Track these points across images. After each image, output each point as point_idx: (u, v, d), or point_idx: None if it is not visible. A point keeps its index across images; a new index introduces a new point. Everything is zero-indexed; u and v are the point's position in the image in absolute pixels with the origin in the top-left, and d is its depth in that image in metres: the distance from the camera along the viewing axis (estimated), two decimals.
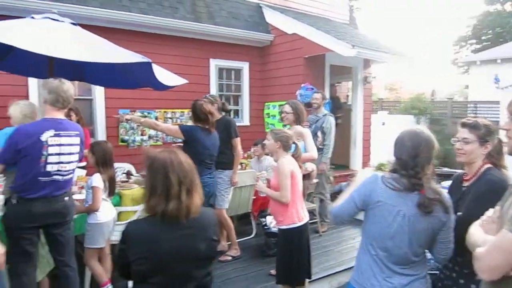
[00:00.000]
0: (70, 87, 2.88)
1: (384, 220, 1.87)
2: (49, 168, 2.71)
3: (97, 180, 3.24)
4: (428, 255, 2.02)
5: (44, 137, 2.67)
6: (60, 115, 2.84)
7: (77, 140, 2.91)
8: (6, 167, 2.75)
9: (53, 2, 5.20)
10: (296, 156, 3.29)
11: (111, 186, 3.38)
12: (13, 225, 2.69)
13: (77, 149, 2.92)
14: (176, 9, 6.76)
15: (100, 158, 3.32)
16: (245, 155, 7.17)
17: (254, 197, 5.07)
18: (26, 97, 5.47)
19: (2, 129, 3.09)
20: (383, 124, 11.20)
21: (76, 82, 5.90)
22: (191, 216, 1.62)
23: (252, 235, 5.16)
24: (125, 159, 6.08)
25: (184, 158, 1.69)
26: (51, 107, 2.80)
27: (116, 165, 5.99)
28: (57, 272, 2.98)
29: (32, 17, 3.68)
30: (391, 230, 1.86)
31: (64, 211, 2.88)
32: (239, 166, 5.98)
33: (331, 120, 5.41)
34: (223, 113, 4.58)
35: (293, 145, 3.29)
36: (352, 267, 4.18)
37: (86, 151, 4.44)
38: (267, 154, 5.89)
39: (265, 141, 3.31)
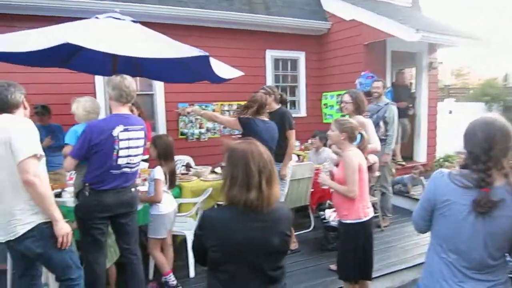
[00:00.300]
0: (131, 82, 2.97)
1: (454, 221, 1.71)
2: (120, 161, 2.84)
3: (159, 173, 3.33)
4: (508, 257, 1.82)
5: (115, 132, 2.80)
6: (125, 110, 2.95)
7: (142, 134, 3.02)
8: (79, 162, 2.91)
9: (115, 2, 5.42)
10: (362, 147, 3.13)
11: (171, 179, 3.46)
12: (85, 215, 2.84)
13: (142, 142, 3.03)
14: (232, 2, 6.78)
15: (161, 152, 3.41)
16: (302, 147, 7.07)
17: (312, 190, 4.96)
18: (93, 94, 5.79)
19: (72, 125, 3.27)
20: (450, 112, 10.45)
21: (138, 78, 6.15)
22: (270, 207, 1.63)
23: (310, 229, 5.07)
24: (184, 152, 6.25)
25: (263, 149, 1.70)
26: (116, 103, 2.92)
27: (176, 157, 6.21)
28: (123, 260, 3.11)
29: (96, 17, 3.85)
30: (462, 231, 1.69)
31: (131, 201, 3.01)
32: (297, 158, 5.91)
33: (394, 109, 5.13)
34: (280, 105, 4.51)
35: (359, 136, 3.13)
36: (416, 265, 4.04)
37: (148, 144, 4.61)
38: (325, 146, 5.75)
39: (329, 132, 3.16)
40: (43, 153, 2.38)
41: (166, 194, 3.41)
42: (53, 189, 3.87)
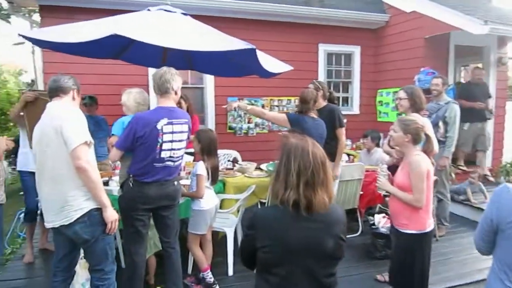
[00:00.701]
0: (164, 74, 2.87)
1: None
2: (163, 154, 2.81)
3: (201, 168, 3.28)
4: None
5: (159, 125, 2.77)
6: (170, 103, 2.92)
7: (186, 127, 2.98)
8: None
9: None
10: (428, 151, 2.85)
11: (214, 174, 3.39)
12: (129, 206, 2.85)
13: (185, 136, 2.99)
14: None
15: (205, 147, 3.35)
16: (354, 146, 6.77)
17: (362, 192, 4.70)
18: (146, 86, 5.89)
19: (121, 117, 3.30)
20: None
21: (189, 71, 6.19)
22: (314, 211, 1.51)
23: (358, 233, 4.81)
24: (232, 146, 6.20)
25: (314, 148, 1.55)
26: (157, 95, 2.90)
27: (222, 151, 6.21)
28: (162, 252, 3.10)
29: (148, 9, 3.87)
30: None
31: (174, 194, 2.99)
32: (347, 158, 5.64)
33: (455, 108, 4.68)
34: (327, 102, 4.29)
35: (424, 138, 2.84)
36: (475, 282, 3.67)
37: (192, 137, 4.60)
38: (377, 146, 5.43)
39: (391, 133, 2.88)
40: (92, 141, 2.48)
41: (208, 190, 3.35)
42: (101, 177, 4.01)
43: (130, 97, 3.24)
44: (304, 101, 3.80)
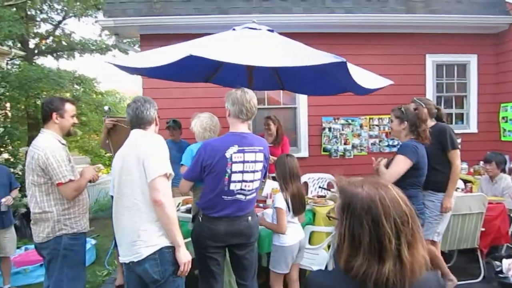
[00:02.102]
0: (253, 96, 2.65)
1: None
2: (232, 186, 2.54)
3: (279, 200, 2.94)
4: None
5: (228, 153, 2.50)
6: (244, 128, 2.64)
7: (261, 156, 2.65)
8: (195, 183, 2.73)
9: (257, 14, 5.30)
10: None
11: (295, 206, 2.98)
12: (198, 242, 2.64)
13: (260, 166, 2.66)
14: (385, 2, 6.00)
15: (281, 174, 2.99)
16: (471, 170, 5.78)
17: (483, 229, 3.87)
18: None
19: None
20: None
21: (281, 91, 5.96)
22: (414, 281, 1.07)
23: (479, 279, 3.94)
24: (326, 170, 5.76)
25: (399, 193, 1.14)
26: (235, 120, 2.62)
27: (316, 175, 5.80)
28: None
29: (234, 29, 3.73)
30: None
31: (248, 232, 2.68)
32: (462, 185, 4.78)
33: None
34: (435, 121, 3.63)
35: None
36: None
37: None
38: (503, 172, 4.50)
39: None
40: (173, 173, 2.32)
41: (291, 224, 2.98)
42: (186, 203, 3.91)
43: (197, 122, 3.06)
44: (422, 120, 3.18)
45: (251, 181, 2.60)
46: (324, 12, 5.72)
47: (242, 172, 2.54)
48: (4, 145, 7.15)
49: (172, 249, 2.29)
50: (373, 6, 5.90)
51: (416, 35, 6.15)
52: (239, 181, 2.54)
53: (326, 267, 3.33)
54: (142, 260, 2.26)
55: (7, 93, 7.98)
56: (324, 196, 4.30)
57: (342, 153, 6.21)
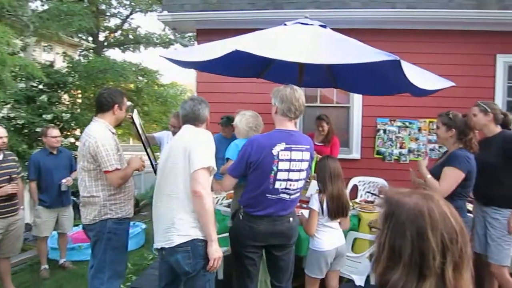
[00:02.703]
0: (301, 94, 2.59)
1: None
2: (277, 185, 2.48)
3: (314, 201, 2.83)
4: None
5: (275, 150, 2.45)
6: (292, 125, 2.57)
7: (307, 155, 2.58)
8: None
9: (313, 9, 5.16)
10: None
11: (333, 207, 2.82)
12: (237, 241, 2.62)
13: (305, 165, 2.58)
14: None
15: (321, 175, 2.88)
16: None
17: None
18: None
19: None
20: None
21: (334, 90, 5.77)
22: None
23: None
24: (379, 174, 5.52)
25: (451, 209, 1.03)
26: (283, 117, 2.56)
27: (367, 179, 5.56)
28: None
29: (285, 24, 3.65)
30: None
31: (288, 233, 2.62)
32: None
33: None
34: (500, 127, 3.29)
35: None
36: None
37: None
38: None
39: None
40: (215, 168, 2.37)
41: (327, 229, 2.86)
42: (230, 197, 3.92)
43: (242, 120, 3.04)
44: (470, 128, 2.95)
45: (297, 180, 2.53)
46: (384, 7, 5.42)
47: (288, 170, 2.47)
48: (70, 130, 7.65)
49: (204, 243, 2.31)
50: (438, 1, 5.49)
51: (486, 33, 5.63)
52: (284, 180, 2.47)
53: (368, 277, 3.17)
54: (174, 249, 2.29)
55: (77, 82, 8.53)
56: (372, 202, 4.10)
57: (396, 157, 5.89)
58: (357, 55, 3.00)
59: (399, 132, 5.84)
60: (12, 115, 6.88)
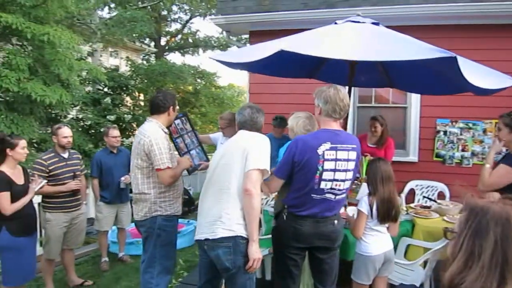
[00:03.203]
0: (345, 95, 2.54)
1: None
2: (322, 185, 2.45)
3: (363, 203, 2.74)
4: None
5: (320, 150, 2.42)
6: (336, 125, 2.53)
7: (353, 155, 2.51)
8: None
9: (368, 7, 5.00)
10: None
11: (383, 211, 2.70)
12: (280, 241, 2.61)
13: (352, 165, 2.52)
14: None
15: (372, 177, 2.77)
16: None
17: None
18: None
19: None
20: None
21: (390, 89, 5.55)
22: None
23: None
24: (438, 178, 5.22)
25: None
26: (327, 118, 2.52)
27: (425, 183, 5.28)
28: None
29: (335, 23, 3.57)
30: None
31: (332, 236, 2.56)
32: None
33: None
34: None
35: None
36: None
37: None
38: None
39: None
40: (269, 172, 2.44)
41: (375, 233, 2.75)
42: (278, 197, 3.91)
43: (299, 123, 3.00)
44: None
45: (343, 181, 2.48)
46: (446, 2, 5.11)
47: (334, 170, 2.43)
48: (132, 130, 8.09)
49: (246, 241, 2.34)
50: None
51: None
52: (330, 180, 2.43)
53: (421, 286, 3.01)
54: (216, 244, 2.34)
55: (138, 85, 9.02)
56: (429, 207, 3.88)
57: (458, 161, 5.52)
58: (411, 52, 2.86)
59: (461, 134, 5.47)
60: (80, 116, 7.43)
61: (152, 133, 2.87)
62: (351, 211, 3.14)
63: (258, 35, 5.84)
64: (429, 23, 5.16)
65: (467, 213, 1.04)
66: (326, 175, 2.42)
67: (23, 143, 3.15)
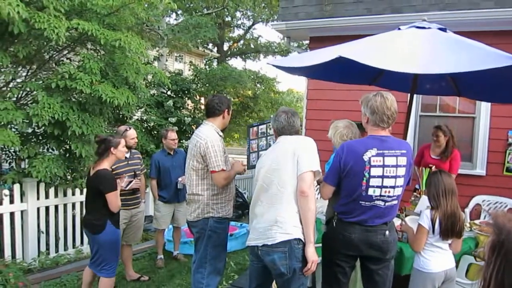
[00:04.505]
0: (393, 101, 2.48)
1: None
2: (370, 191, 2.39)
3: (424, 217, 2.60)
4: None
5: (366, 156, 2.38)
6: (385, 132, 2.47)
7: (403, 160, 2.43)
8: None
9: (436, 12, 4.77)
10: None
11: (446, 226, 2.56)
12: (329, 248, 2.58)
13: (402, 171, 2.43)
14: None
15: (434, 190, 2.64)
16: None
17: None
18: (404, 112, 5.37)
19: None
20: None
21: (457, 98, 5.24)
22: None
23: None
24: (508, 193, 4.84)
25: None
26: (375, 128, 2.46)
27: (493, 198, 4.92)
28: None
29: (399, 29, 3.46)
30: None
31: (383, 246, 2.47)
32: None
33: None
34: None
35: None
36: None
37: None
38: None
39: None
40: (320, 171, 2.47)
41: (436, 249, 2.61)
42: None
43: (336, 134, 2.96)
44: None
45: (392, 187, 2.40)
46: None
47: (382, 177, 2.37)
48: (191, 132, 8.38)
49: (302, 245, 2.36)
50: None
51: None
52: (378, 187, 2.38)
53: None
54: (271, 249, 2.35)
55: (200, 89, 9.32)
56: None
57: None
58: (485, 60, 2.69)
59: None
60: (144, 117, 7.83)
61: (208, 135, 2.95)
62: (410, 222, 3.00)
63: (318, 41, 5.81)
64: (501, 28, 4.82)
65: (494, 238, 0.90)
66: (373, 182, 2.37)
67: (123, 142, 3.38)
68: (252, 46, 18.52)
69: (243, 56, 18.94)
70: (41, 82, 4.90)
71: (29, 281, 4.17)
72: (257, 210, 2.53)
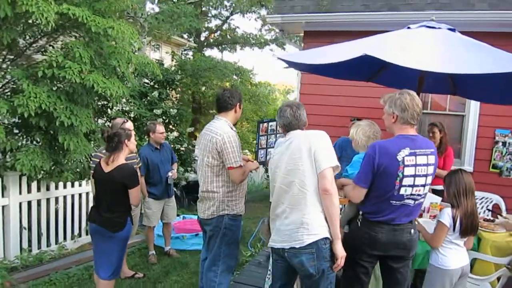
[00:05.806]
0: (419, 99, 2.50)
1: None
2: (402, 191, 2.39)
3: (445, 215, 2.64)
4: None
5: (400, 156, 2.37)
6: (413, 131, 2.47)
7: (432, 159, 2.46)
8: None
9: (432, 11, 4.83)
10: None
11: (466, 225, 2.62)
12: (353, 248, 2.53)
13: (431, 170, 2.46)
14: None
15: (455, 189, 2.67)
16: None
17: None
18: None
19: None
20: None
21: (448, 96, 5.39)
22: None
23: None
24: (493, 189, 5.04)
25: None
26: (405, 125, 2.46)
27: (479, 194, 5.08)
28: None
29: (409, 27, 3.48)
30: None
31: (409, 245, 2.49)
32: None
33: None
34: None
35: None
36: None
37: (440, 172, 3.86)
38: None
39: None
40: (339, 166, 2.40)
41: (452, 246, 2.67)
42: (341, 202, 3.83)
43: (358, 131, 2.92)
44: None
45: (423, 186, 2.42)
46: (507, 9, 4.90)
47: (414, 176, 2.37)
48: (175, 124, 8.19)
49: (329, 244, 2.31)
50: None
51: None
52: (409, 186, 2.38)
53: None
54: (300, 250, 2.30)
55: (183, 80, 9.10)
56: (492, 220, 3.73)
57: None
58: (492, 64, 2.75)
59: None
60: (126, 108, 7.56)
61: (225, 131, 2.87)
62: (423, 222, 3.04)
63: (313, 36, 5.80)
64: (496, 30, 4.97)
65: None
66: (406, 181, 2.37)
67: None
68: (229, 37, 18.29)
69: (220, 47, 18.68)
70: (24, 70, 4.59)
71: (16, 281, 3.95)
72: (279, 212, 2.45)
